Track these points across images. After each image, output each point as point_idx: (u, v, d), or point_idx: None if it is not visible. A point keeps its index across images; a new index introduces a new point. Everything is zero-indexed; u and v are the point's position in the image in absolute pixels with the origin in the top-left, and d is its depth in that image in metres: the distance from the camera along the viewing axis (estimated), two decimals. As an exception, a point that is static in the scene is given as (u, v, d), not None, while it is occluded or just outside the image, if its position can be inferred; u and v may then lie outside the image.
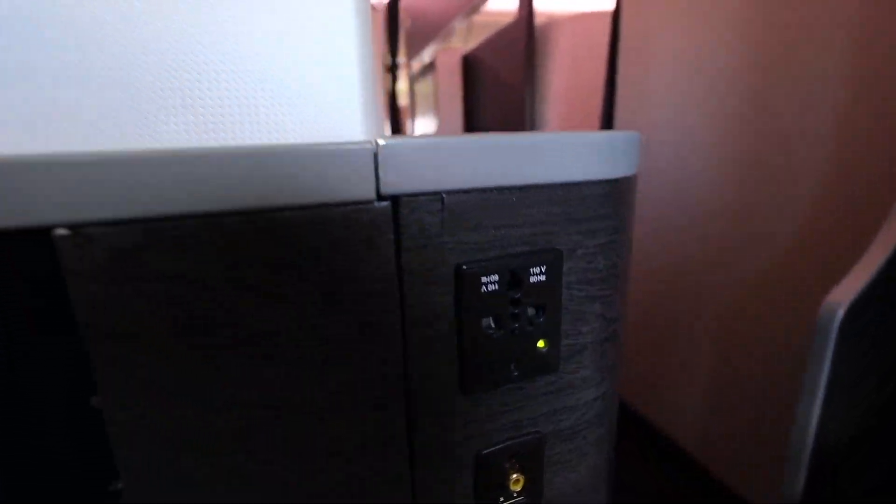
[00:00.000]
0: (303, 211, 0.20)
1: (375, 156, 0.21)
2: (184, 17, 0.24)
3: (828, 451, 0.63)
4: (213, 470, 0.22)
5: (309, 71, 0.26)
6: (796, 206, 0.86)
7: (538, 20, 1.35)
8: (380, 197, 0.21)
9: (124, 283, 0.19)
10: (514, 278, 0.25)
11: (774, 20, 0.82)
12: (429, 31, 2.11)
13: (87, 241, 0.18)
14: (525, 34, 1.34)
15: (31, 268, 0.19)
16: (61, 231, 0.18)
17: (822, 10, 0.74)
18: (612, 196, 0.27)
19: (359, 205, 0.21)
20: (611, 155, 0.26)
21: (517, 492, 0.29)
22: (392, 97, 1.88)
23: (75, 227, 0.18)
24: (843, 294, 0.48)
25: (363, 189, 0.21)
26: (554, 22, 1.35)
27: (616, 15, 1.13)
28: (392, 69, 1.86)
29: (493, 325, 0.25)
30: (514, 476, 0.28)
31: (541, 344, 0.27)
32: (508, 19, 1.42)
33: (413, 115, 2.75)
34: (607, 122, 1.19)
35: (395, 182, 0.21)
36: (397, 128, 1.94)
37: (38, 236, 0.18)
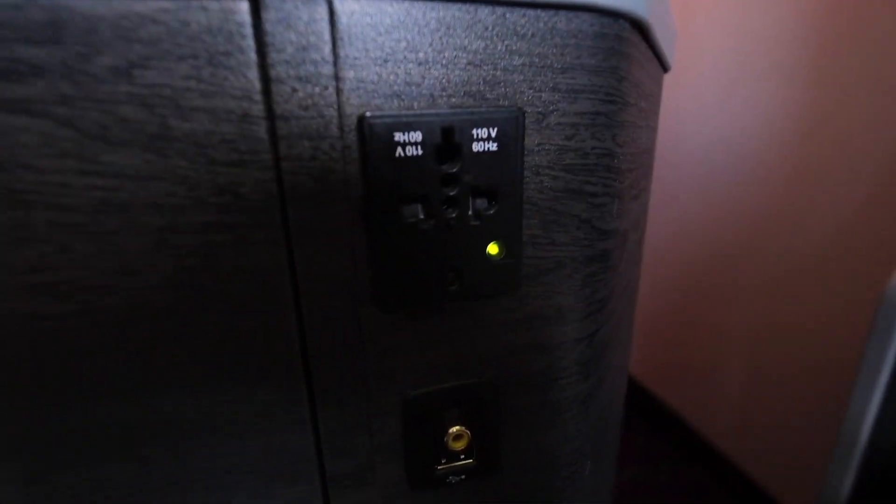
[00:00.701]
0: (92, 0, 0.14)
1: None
2: None
3: (883, 451, 0.52)
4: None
5: None
6: (852, 183, 0.72)
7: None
8: (227, -11, 0.14)
9: None
10: (447, 142, 0.17)
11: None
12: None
13: None
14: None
15: None
16: None
17: None
18: (611, 40, 0.18)
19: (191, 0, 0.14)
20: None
21: (461, 451, 0.22)
22: None
23: None
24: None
25: (195, -32, 0.14)
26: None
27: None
28: None
29: (420, 212, 0.18)
30: (455, 430, 0.21)
31: (493, 249, 0.19)
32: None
33: None
34: None
35: (248, -36, 0.14)
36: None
37: None
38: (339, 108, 0.16)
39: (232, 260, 0.17)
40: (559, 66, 0.18)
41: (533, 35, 0.17)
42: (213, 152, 0.16)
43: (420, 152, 0.17)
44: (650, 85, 0.26)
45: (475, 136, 0.17)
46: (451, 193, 0.18)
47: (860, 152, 0.70)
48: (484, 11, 0.17)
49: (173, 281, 0.16)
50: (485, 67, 0.17)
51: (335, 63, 0.16)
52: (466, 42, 0.17)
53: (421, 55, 0.16)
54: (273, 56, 0.15)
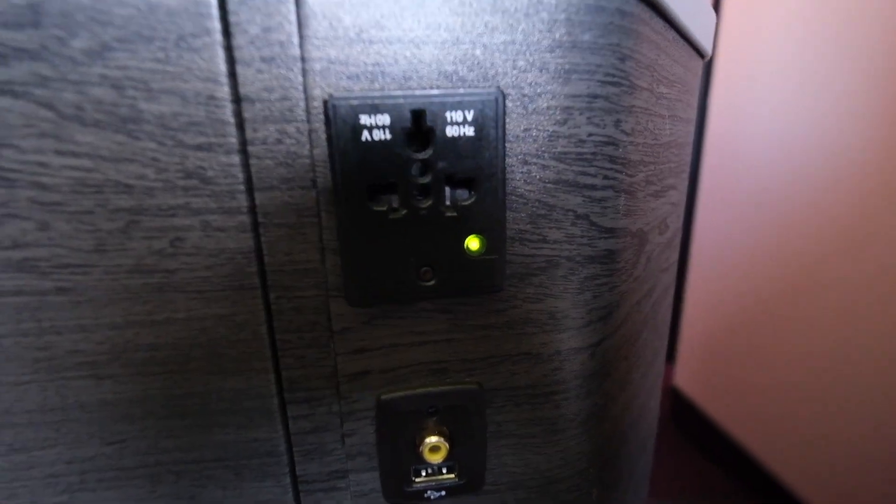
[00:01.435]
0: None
1: None
2: None
3: None
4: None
5: None
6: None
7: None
8: (189, -32, 0.14)
9: None
10: (418, 126, 0.16)
11: None
12: None
13: None
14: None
15: None
16: None
17: None
18: (610, 14, 0.17)
19: (155, -22, 0.14)
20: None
21: (438, 464, 0.20)
22: None
23: None
24: None
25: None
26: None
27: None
28: None
29: (392, 202, 0.17)
30: (433, 440, 0.19)
31: (472, 243, 0.18)
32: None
33: None
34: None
35: (209, -58, 0.14)
36: None
37: None
38: (306, 90, 0.16)
39: (199, 245, 0.17)
40: (547, 45, 0.16)
41: (516, 10, 0.16)
42: (181, 135, 0.16)
43: (389, 137, 0.16)
44: (674, 69, 0.24)
45: (449, 120, 0.16)
46: (424, 182, 0.16)
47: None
48: (464, -17, 0.15)
49: (143, 263, 0.17)
50: (461, 46, 0.16)
51: (300, 44, 0.15)
52: (440, 18, 0.16)
53: (391, 33, 0.15)
54: (238, 37, 0.15)
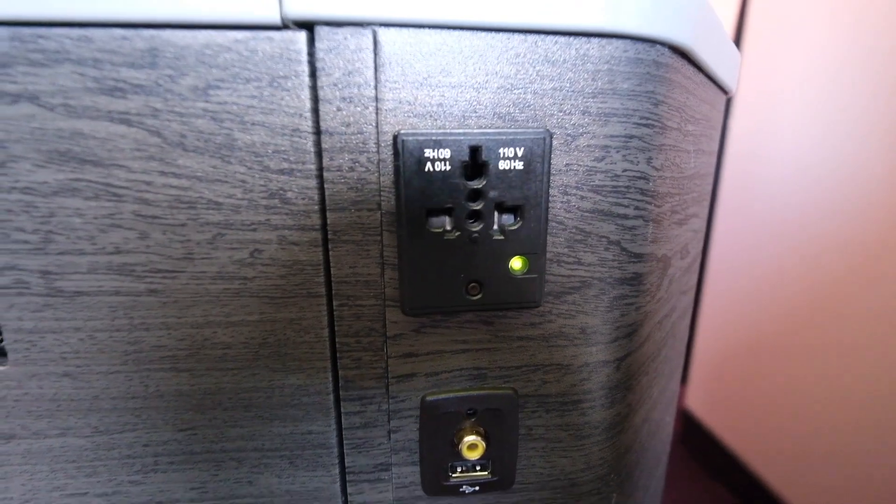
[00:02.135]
0: (183, 32, 0.16)
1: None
2: None
3: None
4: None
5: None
6: None
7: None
8: (286, 22, 0.17)
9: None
10: (475, 160, 0.18)
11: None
12: None
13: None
14: None
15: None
16: None
17: None
18: (647, 65, 0.19)
19: (257, 30, 0.17)
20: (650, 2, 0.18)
21: (476, 461, 0.22)
22: None
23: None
24: None
25: (261, 6, 0.16)
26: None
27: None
28: None
29: (447, 224, 0.19)
30: (471, 439, 0.21)
31: (516, 263, 0.20)
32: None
33: None
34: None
35: (304, 2, 0.16)
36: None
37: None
38: (377, 126, 0.18)
39: (275, 256, 0.19)
40: (590, 91, 0.18)
41: (564, 61, 0.18)
42: (267, 161, 0.18)
43: (448, 168, 0.18)
44: (701, 108, 0.26)
45: (502, 155, 0.18)
46: (477, 207, 0.19)
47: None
48: (516, 39, 0.18)
49: (225, 271, 0.19)
50: (515, 91, 0.18)
51: (376, 86, 0.17)
52: (498, 67, 0.18)
53: (454, 79, 0.18)
54: (323, 79, 0.17)
